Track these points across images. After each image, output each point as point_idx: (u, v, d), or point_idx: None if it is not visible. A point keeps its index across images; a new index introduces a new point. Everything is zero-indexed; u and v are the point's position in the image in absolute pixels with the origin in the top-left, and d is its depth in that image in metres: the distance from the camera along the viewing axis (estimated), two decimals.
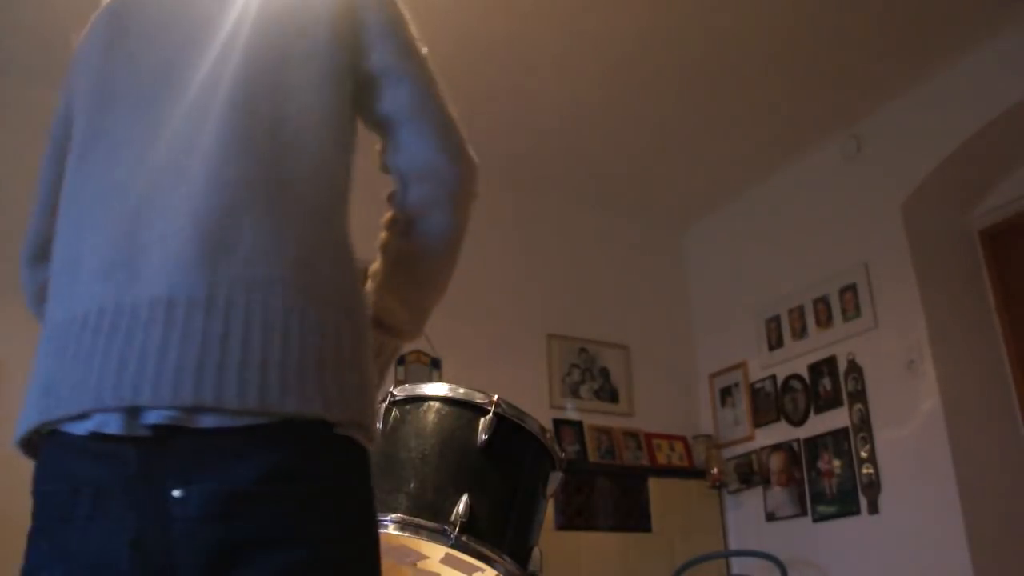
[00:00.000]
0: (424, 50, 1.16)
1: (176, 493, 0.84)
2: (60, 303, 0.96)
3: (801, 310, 4.25)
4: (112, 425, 0.86)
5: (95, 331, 0.89)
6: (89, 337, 0.89)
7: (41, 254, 1.15)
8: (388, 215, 1.16)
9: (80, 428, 0.88)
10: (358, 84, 1.08)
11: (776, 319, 4.38)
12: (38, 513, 0.92)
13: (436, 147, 1.10)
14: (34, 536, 0.92)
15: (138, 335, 0.86)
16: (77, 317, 0.91)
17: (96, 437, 0.86)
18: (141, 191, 0.95)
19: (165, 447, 0.85)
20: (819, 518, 3.97)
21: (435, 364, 4.04)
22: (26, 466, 0.98)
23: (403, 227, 1.13)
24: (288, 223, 0.94)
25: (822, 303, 4.14)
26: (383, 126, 1.11)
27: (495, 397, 1.63)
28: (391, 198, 1.14)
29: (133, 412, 0.85)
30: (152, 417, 0.84)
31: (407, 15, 1.16)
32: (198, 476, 0.84)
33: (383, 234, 1.16)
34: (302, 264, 0.93)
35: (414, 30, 1.16)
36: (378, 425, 1.64)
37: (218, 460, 0.85)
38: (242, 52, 1.01)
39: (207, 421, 0.85)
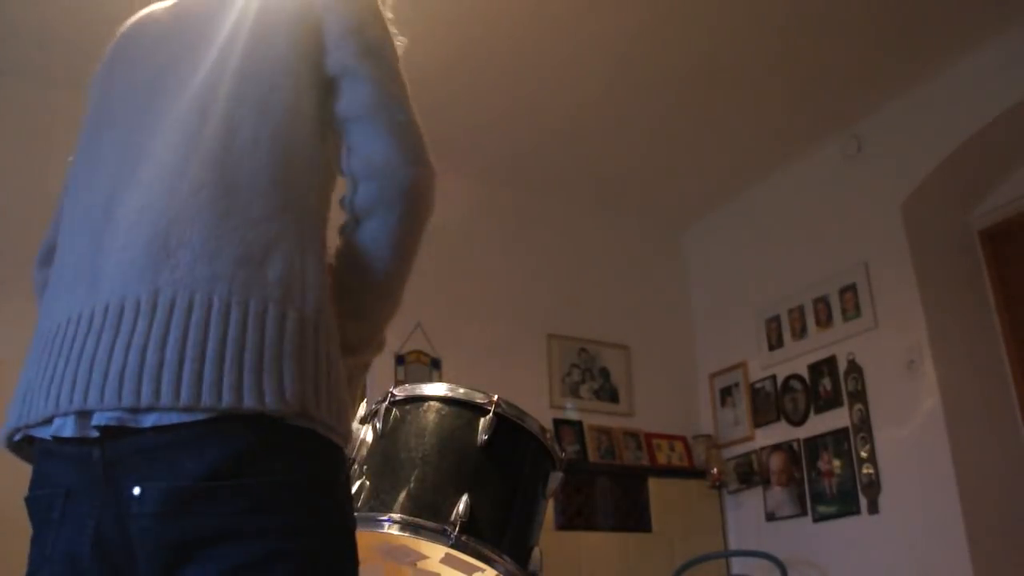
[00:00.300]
0: (397, 50, 1.15)
1: (135, 491, 0.88)
2: (45, 313, 1.03)
3: (801, 310, 4.25)
4: (67, 428, 0.91)
5: (63, 340, 0.95)
6: (58, 346, 0.95)
7: (45, 259, 1.22)
8: (341, 223, 1.14)
9: (45, 432, 0.94)
10: (322, 87, 1.08)
11: (776, 319, 4.38)
12: (31, 519, 0.98)
13: (391, 145, 1.07)
14: (32, 540, 0.97)
15: (90, 342, 0.92)
16: (53, 327, 0.98)
17: (59, 440, 0.92)
18: (108, 206, 1.00)
19: (120, 447, 0.89)
20: (819, 518, 3.97)
21: (435, 364, 4.04)
22: (24, 467, 1.01)
23: (351, 228, 1.10)
24: (238, 226, 0.96)
25: (822, 303, 4.14)
26: (341, 126, 1.10)
27: (495, 397, 1.62)
28: (342, 202, 1.11)
29: (85, 415, 0.90)
30: (99, 419, 0.89)
31: (378, 13, 1.15)
32: (152, 474, 0.88)
33: (337, 243, 1.15)
34: (247, 261, 0.94)
35: (384, 28, 1.15)
36: (377, 423, 1.64)
37: (167, 457, 0.88)
38: (203, 66, 1.06)
39: (149, 420, 0.88)
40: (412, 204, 1.07)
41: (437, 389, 1.65)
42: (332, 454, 0.97)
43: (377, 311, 1.13)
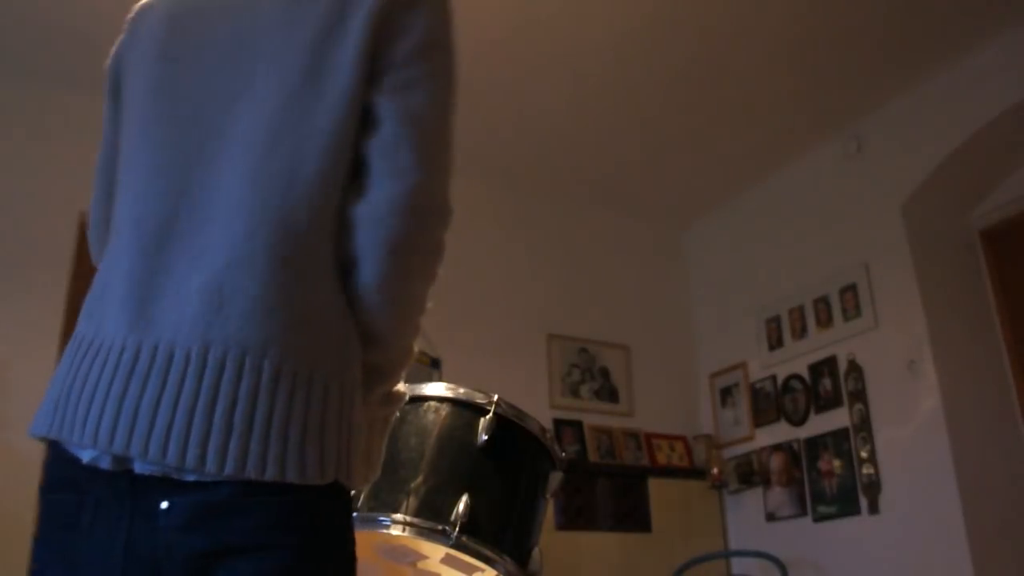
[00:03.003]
0: (450, 83, 1.03)
1: (163, 505, 0.89)
2: (89, 320, 1.00)
3: (801, 310, 4.24)
4: (104, 462, 0.92)
5: (104, 365, 0.93)
6: (98, 370, 0.94)
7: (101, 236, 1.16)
8: None
9: (83, 454, 0.94)
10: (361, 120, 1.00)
11: (776, 319, 4.38)
12: (44, 519, 0.96)
13: (399, 188, 0.98)
14: (39, 541, 0.96)
15: (134, 386, 0.91)
16: (95, 343, 0.96)
17: (92, 465, 0.93)
18: (166, 225, 0.97)
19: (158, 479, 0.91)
20: (819, 518, 3.96)
21: (435, 364, 4.04)
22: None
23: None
24: (294, 281, 0.93)
25: (822, 303, 4.14)
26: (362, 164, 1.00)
27: (495, 397, 1.62)
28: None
29: (122, 459, 0.91)
30: (140, 469, 0.90)
31: (446, 35, 1.04)
32: (180, 489, 0.89)
33: None
34: (298, 326, 0.92)
35: (442, 60, 1.03)
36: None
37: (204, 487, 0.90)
38: (278, 80, 0.98)
39: (190, 477, 0.89)
40: (403, 249, 0.99)
41: (437, 389, 1.65)
42: (347, 492, 0.99)
43: (385, 362, 1.06)
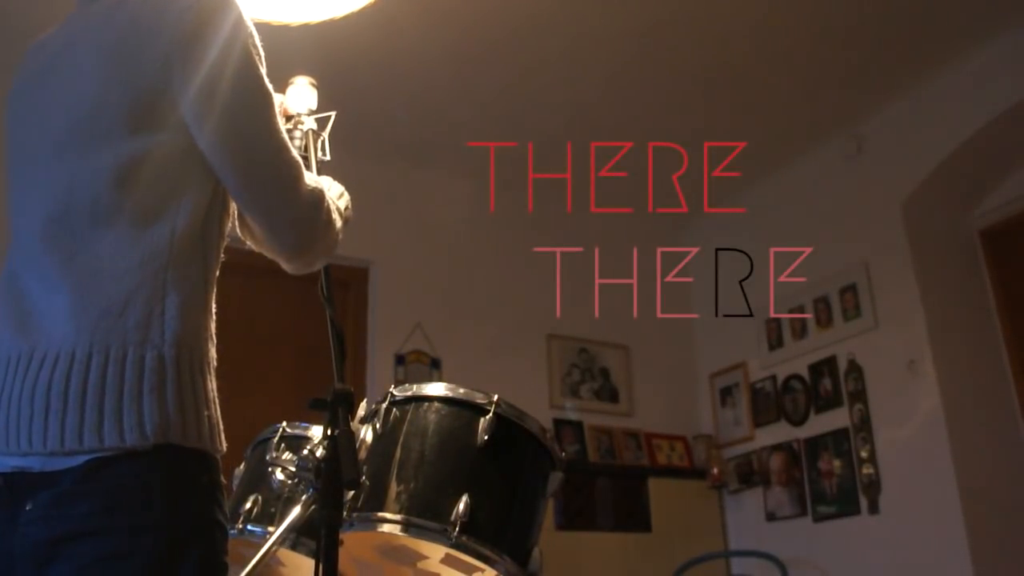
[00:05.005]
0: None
1: (28, 507, 1.00)
2: None
3: (801, 310, 4.24)
4: None
5: None
6: None
7: None
8: None
9: None
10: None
11: (776, 319, 4.37)
12: None
13: None
14: None
15: None
16: None
17: None
18: (12, 274, 1.13)
19: (21, 477, 1.03)
20: (819, 518, 3.96)
21: (435, 364, 4.04)
22: None
23: None
24: (101, 283, 1.04)
25: (822, 303, 4.14)
26: None
27: (495, 397, 1.62)
28: None
29: None
30: (2, 465, 1.04)
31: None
32: (39, 489, 1.00)
33: None
34: (106, 314, 1.03)
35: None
36: (377, 423, 1.63)
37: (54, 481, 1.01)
38: (61, 121, 1.13)
39: (36, 464, 1.01)
40: None
41: (437, 389, 1.65)
42: (192, 460, 1.05)
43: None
